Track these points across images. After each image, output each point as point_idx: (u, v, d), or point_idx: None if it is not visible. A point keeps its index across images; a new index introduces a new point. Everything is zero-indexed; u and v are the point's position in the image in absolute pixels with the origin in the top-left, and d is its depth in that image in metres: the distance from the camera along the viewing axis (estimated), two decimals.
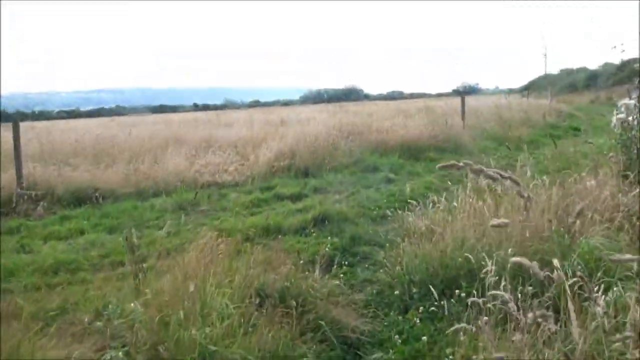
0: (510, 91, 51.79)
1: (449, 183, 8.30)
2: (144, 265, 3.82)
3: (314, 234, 5.64)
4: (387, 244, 4.95)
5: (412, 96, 59.92)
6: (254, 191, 8.25)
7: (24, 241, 5.91)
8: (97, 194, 7.81)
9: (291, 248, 5.08)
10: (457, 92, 62.68)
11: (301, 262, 4.10)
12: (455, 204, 4.16)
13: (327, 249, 4.87)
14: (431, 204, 4.81)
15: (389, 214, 6.57)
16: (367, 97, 62.66)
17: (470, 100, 26.09)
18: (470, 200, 3.99)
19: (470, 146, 11.58)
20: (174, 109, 61.04)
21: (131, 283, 3.68)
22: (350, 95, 64.46)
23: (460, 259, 3.40)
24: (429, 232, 3.93)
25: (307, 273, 3.85)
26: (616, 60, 48.82)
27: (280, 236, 5.55)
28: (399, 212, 6.69)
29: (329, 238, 5.39)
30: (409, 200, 7.32)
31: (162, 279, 3.25)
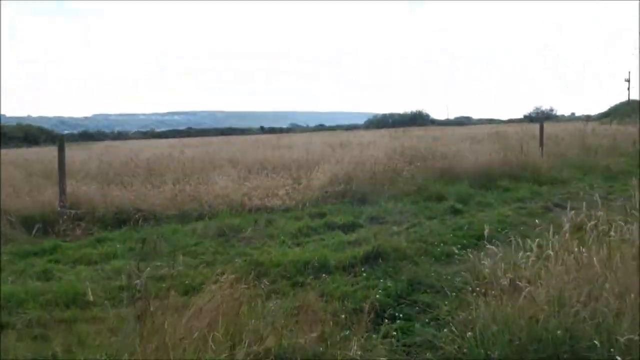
0: (588, 118, 48.47)
1: (535, 220, 7.18)
2: (151, 308, 3.15)
3: (365, 274, 4.75)
4: (454, 294, 3.99)
5: (481, 122, 57.65)
6: (304, 218, 7.49)
7: (50, 265, 5.46)
8: (137, 216, 7.36)
9: (335, 292, 4.23)
10: (529, 118, 59.42)
11: (343, 315, 3.25)
12: (550, 251, 3.12)
13: (377, 296, 3.99)
14: (514, 247, 3.76)
15: (456, 252, 5.57)
16: (433, 122, 60.98)
17: (545, 126, 24.29)
18: (575, 249, 2.97)
19: (550, 175, 10.27)
20: (242, 132, 62.53)
21: (129, 332, 3.00)
22: (416, 120, 63.01)
23: (559, 332, 2.43)
24: (512, 287, 2.95)
25: (348, 332, 2.99)
26: None
27: (324, 275, 4.71)
28: (468, 251, 5.70)
29: (382, 281, 4.49)
30: (479, 238, 6.33)
31: (159, 334, 2.51)
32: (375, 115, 78.99)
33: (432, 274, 4.75)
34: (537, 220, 7.19)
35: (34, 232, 6.84)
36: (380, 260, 5.11)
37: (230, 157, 12.48)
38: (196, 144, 25.41)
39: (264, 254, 5.56)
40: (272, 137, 31.27)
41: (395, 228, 6.78)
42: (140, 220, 7.40)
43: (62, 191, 7.41)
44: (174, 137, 52.23)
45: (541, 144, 12.06)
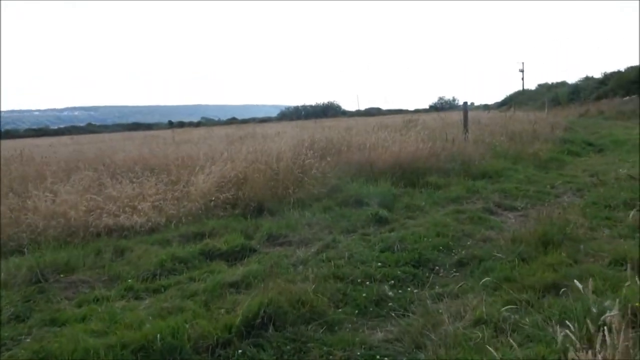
0: (487, 107, 50.18)
1: (480, 228, 5.52)
2: None
3: None
4: None
5: (390, 112, 57.84)
6: (173, 242, 5.31)
7: None
8: None
9: None
10: (434, 107, 60.77)
11: None
12: None
13: None
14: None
15: (390, 294, 3.72)
16: (344, 113, 60.56)
17: (453, 115, 23.58)
18: None
19: (482, 166, 8.83)
20: (149, 127, 58.45)
21: None
22: (328, 111, 62.42)
23: None
24: None
25: None
26: (597, 73, 47.59)
27: None
28: (407, 290, 3.85)
29: None
30: (417, 263, 4.53)
31: None
32: (288, 108, 77.40)
33: (359, 352, 2.80)
34: (482, 229, 5.63)
35: None
36: (271, 329, 3.07)
37: (95, 157, 9.87)
38: (78, 142, 22.02)
39: (73, 330, 3.30)
40: (175, 132, 28.20)
41: (300, 253, 4.80)
42: None
43: None
44: (70, 133, 47.29)
45: (466, 130, 10.68)
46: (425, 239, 5.02)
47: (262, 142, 10.76)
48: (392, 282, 3.94)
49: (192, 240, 5.41)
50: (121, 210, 5.93)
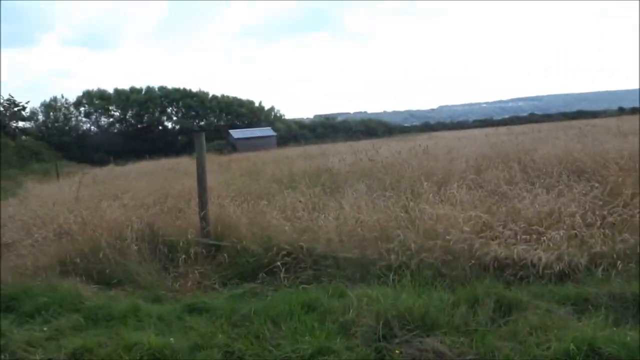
0: None
1: None
2: None
3: None
4: None
5: None
6: (591, 305, 3.05)
7: None
8: (285, 259, 4.42)
9: None
10: None
11: None
12: None
13: None
14: None
15: None
16: None
17: None
18: None
19: None
20: (593, 115, 52.82)
21: None
22: None
23: None
24: None
25: None
26: None
27: None
28: None
29: None
30: None
31: None
32: None
33: None
34: None
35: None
36: None
37: (514, 152, 8.21)
38: (511, 133, 20.86)
39: None
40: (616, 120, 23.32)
41: None
42: (290, 268, 4.45)
43: (202, 208, 5.12)
44: (512, 124, 47.97)
45: None
46: None
47: None
48: None
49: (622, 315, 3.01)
50: (519, 236, 4.05)
